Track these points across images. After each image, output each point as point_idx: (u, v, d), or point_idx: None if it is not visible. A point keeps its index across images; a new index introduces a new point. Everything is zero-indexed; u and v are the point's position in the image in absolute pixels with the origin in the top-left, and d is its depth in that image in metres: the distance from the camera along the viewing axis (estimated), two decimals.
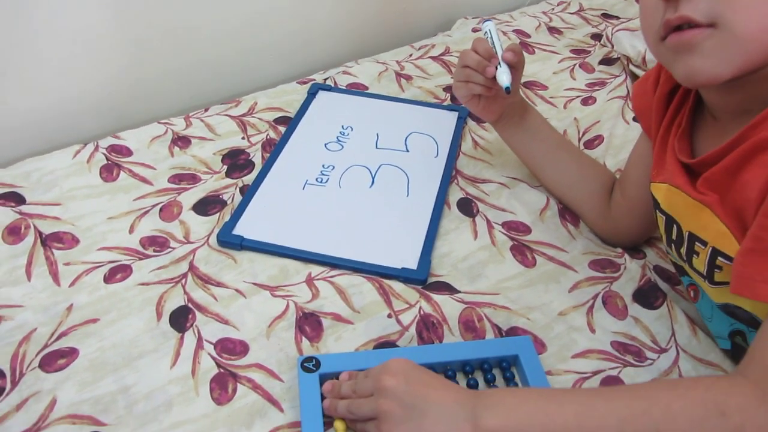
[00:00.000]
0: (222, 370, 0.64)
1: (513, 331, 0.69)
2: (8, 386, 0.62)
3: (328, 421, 0.60)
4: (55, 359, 0.65)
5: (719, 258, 0.56)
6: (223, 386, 0.63)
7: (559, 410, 0.50)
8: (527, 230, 0.81)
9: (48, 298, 0.70)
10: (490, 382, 0.64)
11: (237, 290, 0.72)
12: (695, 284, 0.65)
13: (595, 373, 0.66)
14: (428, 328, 0.69)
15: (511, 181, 0.88)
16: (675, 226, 0.63)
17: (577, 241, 0.81)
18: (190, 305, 0.70)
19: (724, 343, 0.66)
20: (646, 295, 0.74)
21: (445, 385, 0.54)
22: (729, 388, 0.47)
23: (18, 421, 0.60)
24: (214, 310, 0.70)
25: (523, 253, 0.78)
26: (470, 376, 0.64)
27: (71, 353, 0.65)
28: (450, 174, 0.89)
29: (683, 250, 0.62)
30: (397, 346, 0.67)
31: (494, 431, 0.50)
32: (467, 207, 0.84)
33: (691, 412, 0.46)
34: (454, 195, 0.86)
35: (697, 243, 0.59)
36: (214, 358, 0.65)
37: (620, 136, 0.97)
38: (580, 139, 0.98)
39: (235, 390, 0.63)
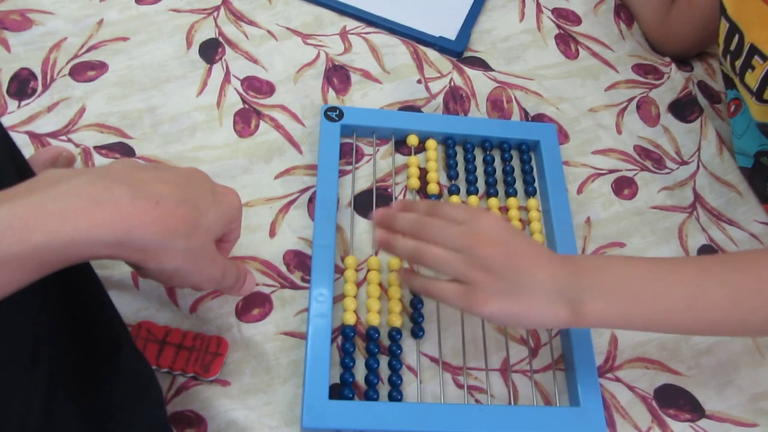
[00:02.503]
0: (246, 106, 0.65)
1: (539, 118, 0.68)
2: (40, 88, 0.64)
3: (343, 169, 0.62)
4: (85, 70, 0.65)
5: None
6: (246, 121, 0.64)
7: (666, 293, 0.46)
8: (577, 21, 0.77)
9: (79, 10, 0.69)
10: (506, 161, 0.64)
11: (269, 31, 0.70)
12: (739, 98, 0.63)
13: (611, 171, 0.66)
14: (455, 100, 0.68)
15: None
16: (737, 35, 0.59)
17: (626, 41, 0.77)
18: (220, 39, 0.69)
19: (746, 161, 0.66)
20: (683, 108, 0.71)
21: (538, 254, 0.47)
22: None
23: (48, 121, 0.62)
24: (244, 47, 0.69)
25: (567, 43, 0.75)
26: (488, 152, 0.65)
27: (101, 66, 0.66)
28: None
29: (738, 63, 0.59)
30: (422, 111, 0.67)
31: (594, 318, 0.45)
32: None
33: None
34: None
35: (756, 57, 0.56)
36: (240, 94, 0.65)
37: None
38: None
39: (257, 126, 0.64)
